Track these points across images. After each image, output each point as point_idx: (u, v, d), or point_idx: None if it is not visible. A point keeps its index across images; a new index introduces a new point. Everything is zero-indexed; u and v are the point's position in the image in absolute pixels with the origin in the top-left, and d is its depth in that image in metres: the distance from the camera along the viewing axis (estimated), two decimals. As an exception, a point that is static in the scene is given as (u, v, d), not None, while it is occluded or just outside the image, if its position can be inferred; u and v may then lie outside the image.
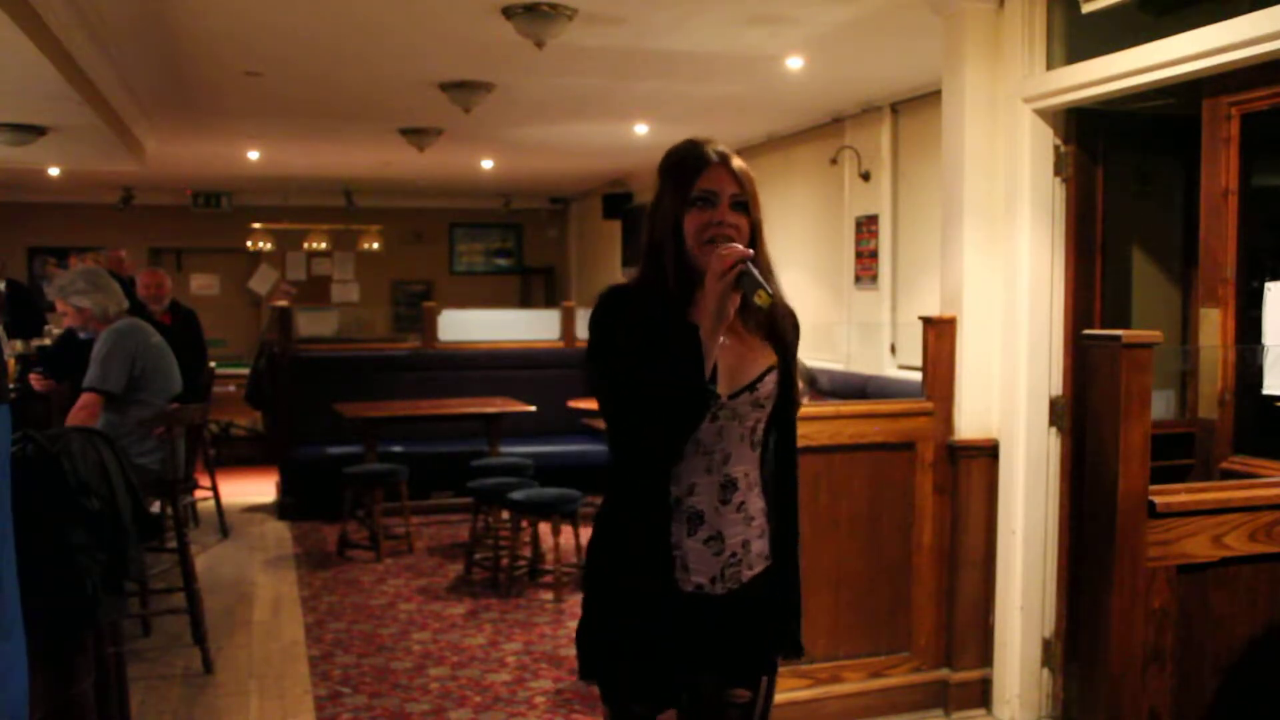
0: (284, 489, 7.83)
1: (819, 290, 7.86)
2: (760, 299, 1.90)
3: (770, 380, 2.08)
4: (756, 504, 2.11)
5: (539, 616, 5.38)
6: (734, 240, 1.97)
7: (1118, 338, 2.48)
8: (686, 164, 2.04)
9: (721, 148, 2.06)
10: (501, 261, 14.36)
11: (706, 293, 1.92)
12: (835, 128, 7.52)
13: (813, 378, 6.53)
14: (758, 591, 2.11)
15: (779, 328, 2.11)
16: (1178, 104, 3.84)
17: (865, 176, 7.16)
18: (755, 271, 1.90)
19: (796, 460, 2.20)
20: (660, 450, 2.00)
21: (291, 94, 6.81)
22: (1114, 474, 2.45)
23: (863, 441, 3.96)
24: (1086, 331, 2.76)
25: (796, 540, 2.19)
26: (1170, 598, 2.49)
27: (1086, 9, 3.65)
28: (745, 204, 2.02)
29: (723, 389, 2.01)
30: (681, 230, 2.01)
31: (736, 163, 2.04)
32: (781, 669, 2.26)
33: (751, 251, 1.93)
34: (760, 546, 2.11)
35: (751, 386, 2.05)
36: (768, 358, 2.09)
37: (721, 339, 1.97)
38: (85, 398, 4.53)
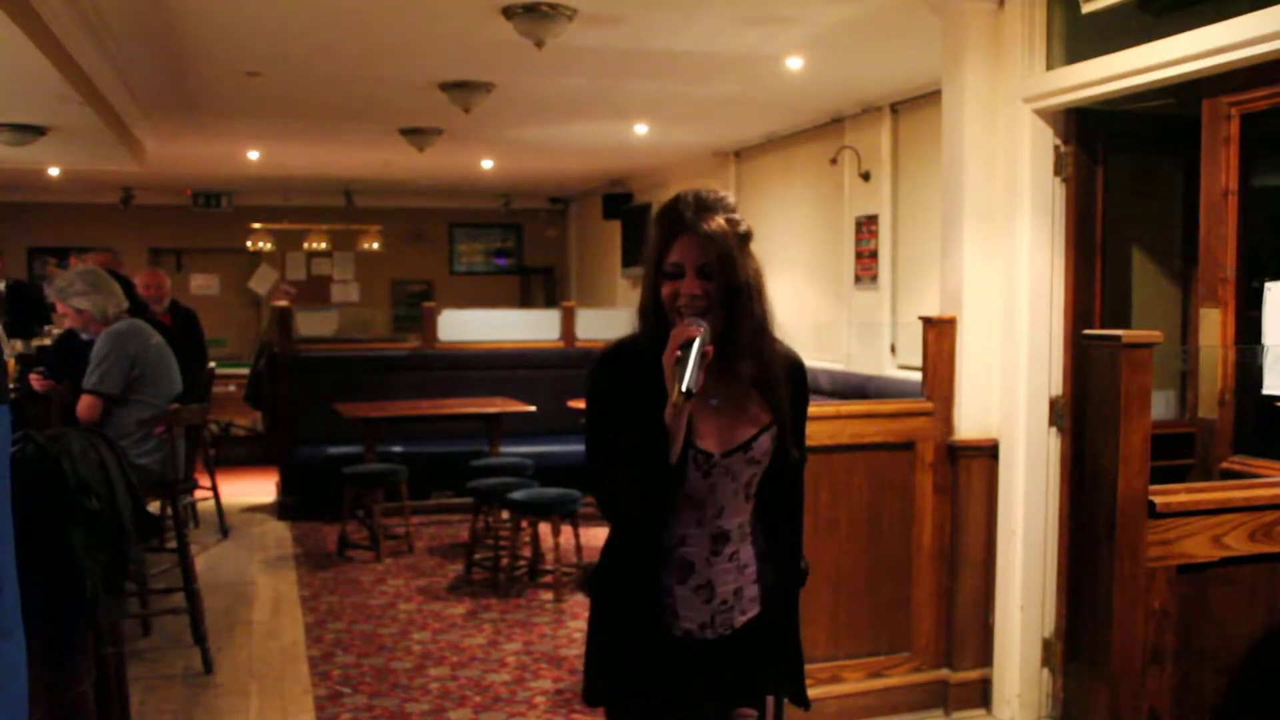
0: (284, 489, 7.84)
1: (819, 290, 7.86)
2: (673, 396, 1.81)
3: (765, 440, 2.02)
4: (749, 552, 2.08)
5: (539, 616, 5.38)
6: (701, 309, 1.90)
7: (1118, 338, 2.48)
8: (663, 231, 1.96)
9: (707, 198, 1.95)
10: (501, 261, 14.36)
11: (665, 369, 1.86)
12: (835, 128, 7.51)
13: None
14: (751, 637, 2.08)
15: (774, 386, 2.03)
16: (1178, 104, 3.84)
17: (865, 176, 7.16)
18: (692, 362, 1.80)
19: (801, 510, 2.17)
20: (636, 515, 2.00)
21: (291, 94, 6.80)
22: (1114, 474, 2.46)
23: (863, 441, 3.96)
24: (1086, 331, 2.76)
25: (798, 588, 2.16)
26: (1170, 598, 2.50)
27: (1086, 9, 3.65)
28: (711, 272, 1.91)
29: (715, 448, 1.98)
30: (660, 298, 1.96)
31: (711, 227, 1.91)
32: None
33: (697, 333, 1.83)
34: (753, 592, 2.08)
35: (745, 446, 2.01)
36: (763, 416, 2.03)
37: (712, 400, 1.96)
38: (84, 399, 4.54)
